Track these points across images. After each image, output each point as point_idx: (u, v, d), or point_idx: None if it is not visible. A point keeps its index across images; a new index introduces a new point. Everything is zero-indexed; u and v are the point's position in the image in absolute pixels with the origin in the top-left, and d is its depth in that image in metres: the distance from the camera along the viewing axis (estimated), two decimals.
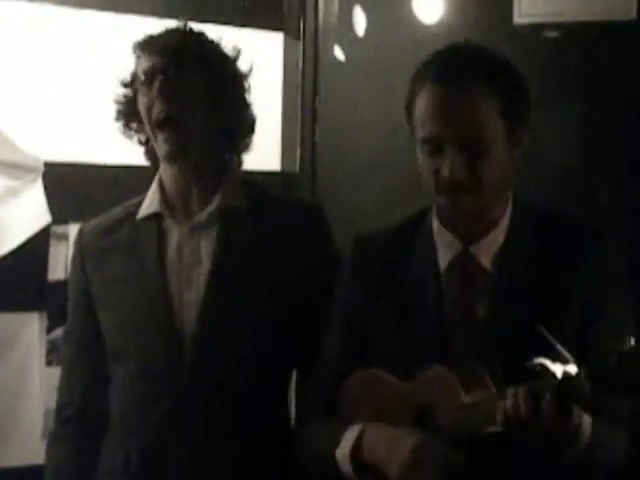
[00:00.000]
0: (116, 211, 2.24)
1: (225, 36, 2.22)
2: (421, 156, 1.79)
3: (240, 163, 2.23)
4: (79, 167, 2.77)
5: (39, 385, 2.74)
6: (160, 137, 2.07)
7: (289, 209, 2.20)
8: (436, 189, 1.77)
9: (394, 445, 1.74)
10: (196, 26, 2.22)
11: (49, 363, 2.76)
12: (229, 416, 2.08)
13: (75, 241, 2.26)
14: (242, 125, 2.18)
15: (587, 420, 1.61)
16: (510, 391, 1.59)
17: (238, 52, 2.20)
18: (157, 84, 2.06)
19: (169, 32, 2.16)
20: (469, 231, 1.84)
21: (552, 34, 2.96)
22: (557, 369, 1.52)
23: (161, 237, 2.14)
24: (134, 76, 2.15)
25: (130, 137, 2.21)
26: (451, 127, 1.72)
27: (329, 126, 3.19)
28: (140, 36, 2.19)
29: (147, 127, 2.11)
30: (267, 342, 2.09)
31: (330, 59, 3.20)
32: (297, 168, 3.20)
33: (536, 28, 2.96)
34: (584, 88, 2.92)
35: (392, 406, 1.82)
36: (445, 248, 1.86)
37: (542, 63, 2.88)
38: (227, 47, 2.19)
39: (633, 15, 2.87)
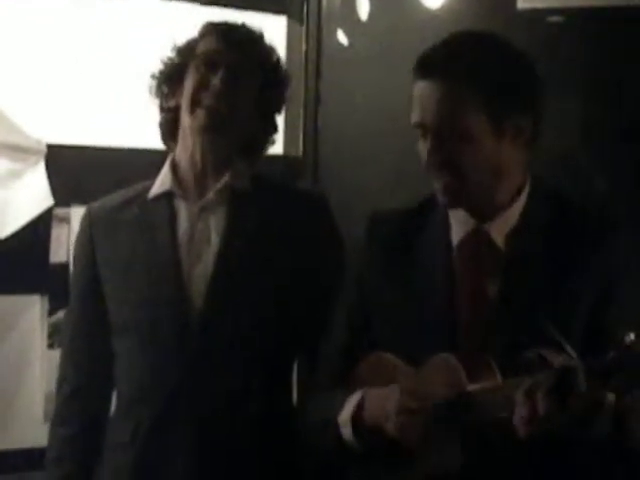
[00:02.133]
0: (124, 192, 2.26)
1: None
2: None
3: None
4: (81, 150, 2.77)
5: (40, 368, 2.75)
6: (199, 111, 2.12)
7: (294, 197, 2.27)
8: (424, 169, 1.87)
9: (387, 397, 1.79)
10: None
11: (50, 346, 2.77)
12: (235, 388, 2.11)
13: (83, 218, 2.26)
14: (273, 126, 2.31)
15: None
16: (519, 386, 1.59)
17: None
18: (219, 77, 2.11)
19: (238, 27, 2.21)
20: (482, 210, 1.87)
21: (556, 19, 2.95)
22: (556, 361, 1.51)
23: (172, 215, 2.18)
24: (190, 48, 2.19)
25: (155, 97, 2.24)
26: (427, 115, 1.84)
27: (332, 110, 3.19)
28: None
29: (185, 98, 2.15)
30: (272, 319, 2.13)
31: (333, 43, 3.20)
32: (300, 152, 3.20)
33: (540, 13, 2.95)
34: (588, 73, 2.92)
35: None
36: (459, 225, 1.89)
37: (545, 48, 2.87)
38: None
39: (638, 0, 2.86)
